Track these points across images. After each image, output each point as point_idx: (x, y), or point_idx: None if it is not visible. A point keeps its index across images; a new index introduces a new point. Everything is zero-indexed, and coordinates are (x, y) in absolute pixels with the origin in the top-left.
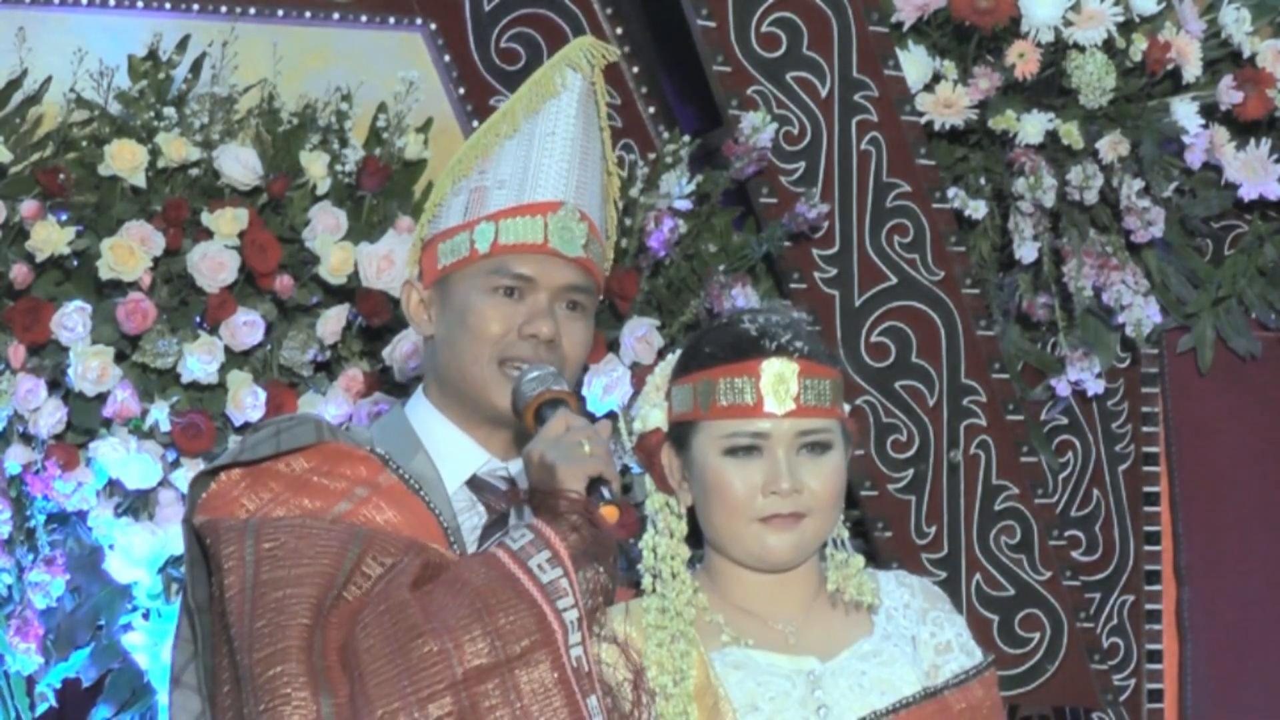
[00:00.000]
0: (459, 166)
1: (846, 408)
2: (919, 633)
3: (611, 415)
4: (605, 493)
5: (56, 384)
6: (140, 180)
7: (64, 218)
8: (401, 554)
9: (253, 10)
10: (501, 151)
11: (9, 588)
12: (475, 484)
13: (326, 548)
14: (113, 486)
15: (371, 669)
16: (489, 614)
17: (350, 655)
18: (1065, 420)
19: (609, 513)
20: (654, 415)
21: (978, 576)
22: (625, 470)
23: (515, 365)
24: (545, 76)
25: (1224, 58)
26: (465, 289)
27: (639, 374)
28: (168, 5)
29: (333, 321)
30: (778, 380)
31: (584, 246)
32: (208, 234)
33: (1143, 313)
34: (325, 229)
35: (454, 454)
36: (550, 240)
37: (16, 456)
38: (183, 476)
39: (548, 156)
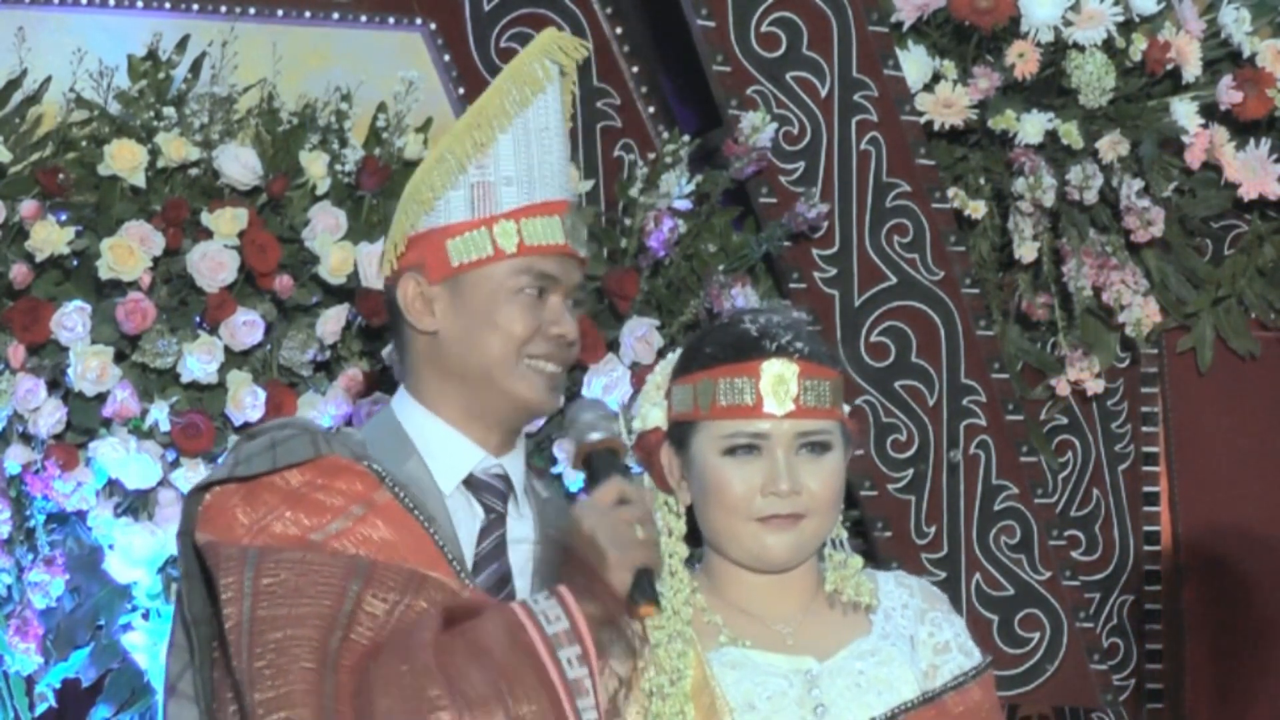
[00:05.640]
0: (452, 160)
1: (847, 408)
2: (917, 632)
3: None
4: (647, 588)
5: (56, 384)
6: (140, 180)
7: (64, 218)
8: (403, 588)
9: (252, 10)
10: (498, 146)
11: (9, 588)
12: (471, 483)
13: (328, 587)
14: (112, 486)
15: None
16: (513, 698)
17: (364, 708)
18: (1065, 420)
19: (646, 611)
20: (654, 414)
21: (977, 576)
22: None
23: (534, 359)
24: (526, 69)
25: (1224, 58)
26: (490, 288)
27: (638, 374)
28: (168, 5)
29: (332, 321)
30: (778, 381)
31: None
32: (207, 234)
33: (1142, 313)
34: (325, 229)
35: (448, 454)
36: (568, 240)
37: (16, 456)
38: (182, 476)
39: (548, 154)
